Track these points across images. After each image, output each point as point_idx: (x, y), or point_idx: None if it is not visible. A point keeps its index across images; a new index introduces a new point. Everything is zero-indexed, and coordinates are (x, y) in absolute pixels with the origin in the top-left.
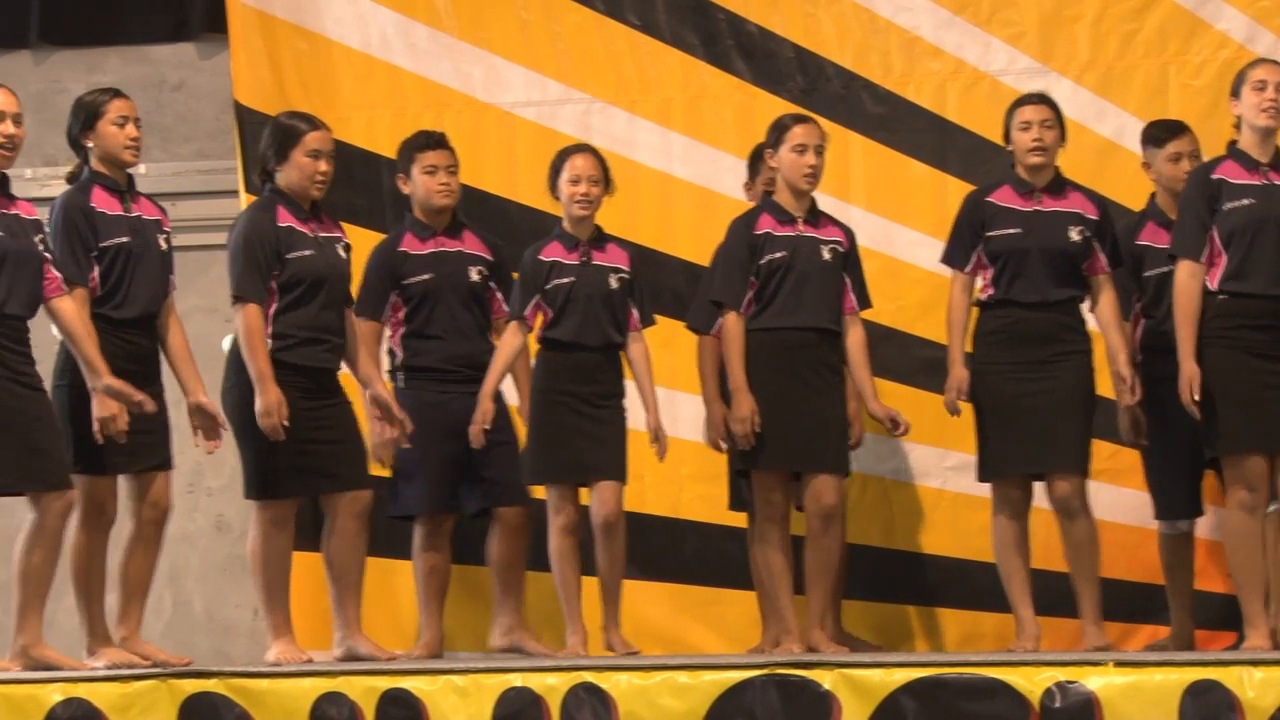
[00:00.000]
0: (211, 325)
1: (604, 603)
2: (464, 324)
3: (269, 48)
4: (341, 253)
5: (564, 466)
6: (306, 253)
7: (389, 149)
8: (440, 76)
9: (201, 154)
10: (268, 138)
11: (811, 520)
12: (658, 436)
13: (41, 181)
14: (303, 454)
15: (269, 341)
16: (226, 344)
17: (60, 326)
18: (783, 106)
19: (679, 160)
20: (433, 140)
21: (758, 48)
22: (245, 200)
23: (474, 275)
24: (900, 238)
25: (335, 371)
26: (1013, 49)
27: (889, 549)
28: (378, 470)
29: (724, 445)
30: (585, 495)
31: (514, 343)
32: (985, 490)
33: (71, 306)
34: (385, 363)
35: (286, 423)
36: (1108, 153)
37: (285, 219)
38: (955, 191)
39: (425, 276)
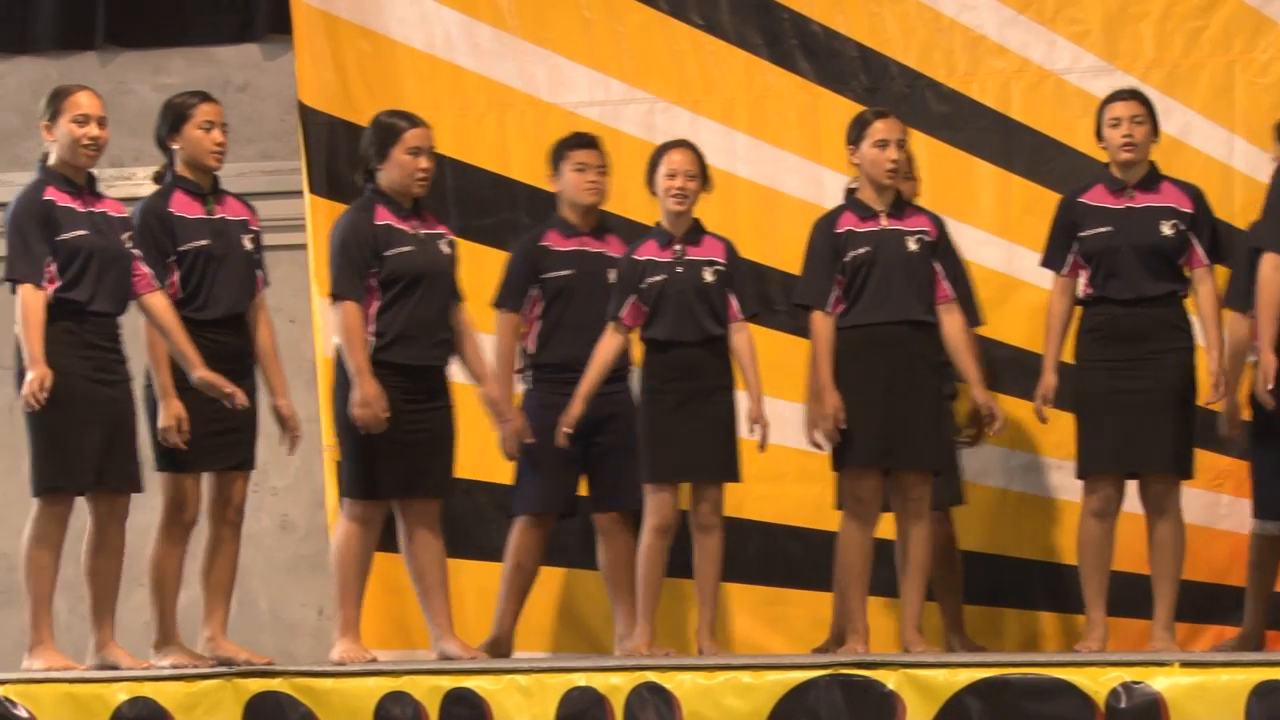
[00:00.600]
0: (280, 325)
1: (700, 605)
2: (596, 325)
3: (333, 48)
4: (445, 249)
5: (666, 466)
6: (405, 249)
7: (453, 149)
8: (504, 76)
9: (266, 155)
10: (368, 136)
11: (902, 519)
12: (756, 423)
13: (108, 182)
14: (398, 456)
15: (371, 339)
16: (333, 344)
17: (153, 321)
18: (846, 106)
19: (742, 160)
20: (584, 140)
21: (822, 47)
22: (309, 201)
23: (611, 278)
24: (964, 237)
25: (440, 369)
26: (1077, 47)
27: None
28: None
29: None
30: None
31: (612, 344)
32: (1050, 491)
33: (163, 301)
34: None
35: (386, 414)
36: (1173, 151)
37: (384, 217)
38: (1019, 190)
39: (565, 272)
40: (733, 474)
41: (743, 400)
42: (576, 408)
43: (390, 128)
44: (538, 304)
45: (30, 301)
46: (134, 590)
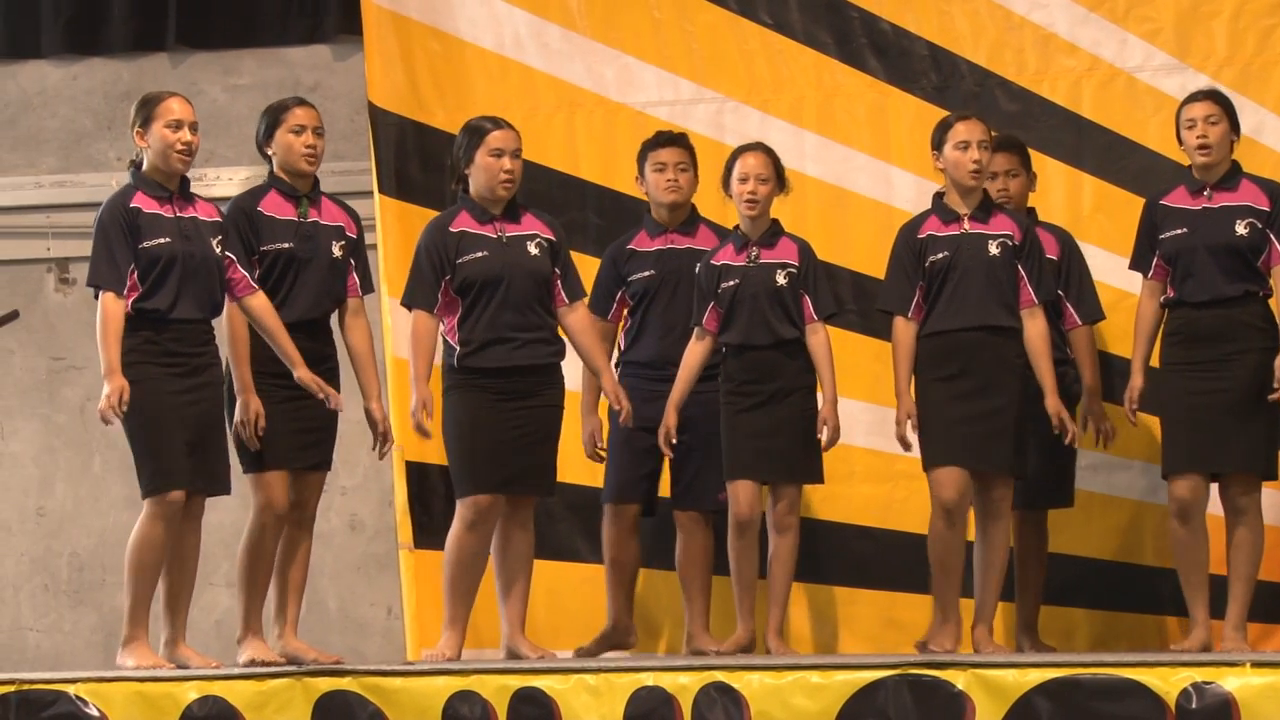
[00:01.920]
0: None
1: (770, 604)
2: (681, 321)
3: (403, 49)
4: (533, 249)
5: (743, 464)
6: (479, 255)
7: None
8: (573, 77)
9: (336, 155)
10: (457, 142)
11: (981, 519)
12: (828, 426)
13: None
14: (495, 454)
15: (455, 347)
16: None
17: (255, 323)
18: (916, 105)
19: (811, 159)
20: (664, 139)
21: (891, 46)
22: (379, 201)
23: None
24: None
25: (542, 368)
26: (1149, 45)
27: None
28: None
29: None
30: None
31: (697, 350)
32: (1121, 490)
33: (262, 302)
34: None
35: (430, 421)
36: (1247, 149)
37: (462, 224)
38: (1090, 189)
39: (647, 273)
40: (812, 475)
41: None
42: (671, 418)
43: (475, 130)
44: (625, 305)
45: (111, 309)
46: (204, 590)
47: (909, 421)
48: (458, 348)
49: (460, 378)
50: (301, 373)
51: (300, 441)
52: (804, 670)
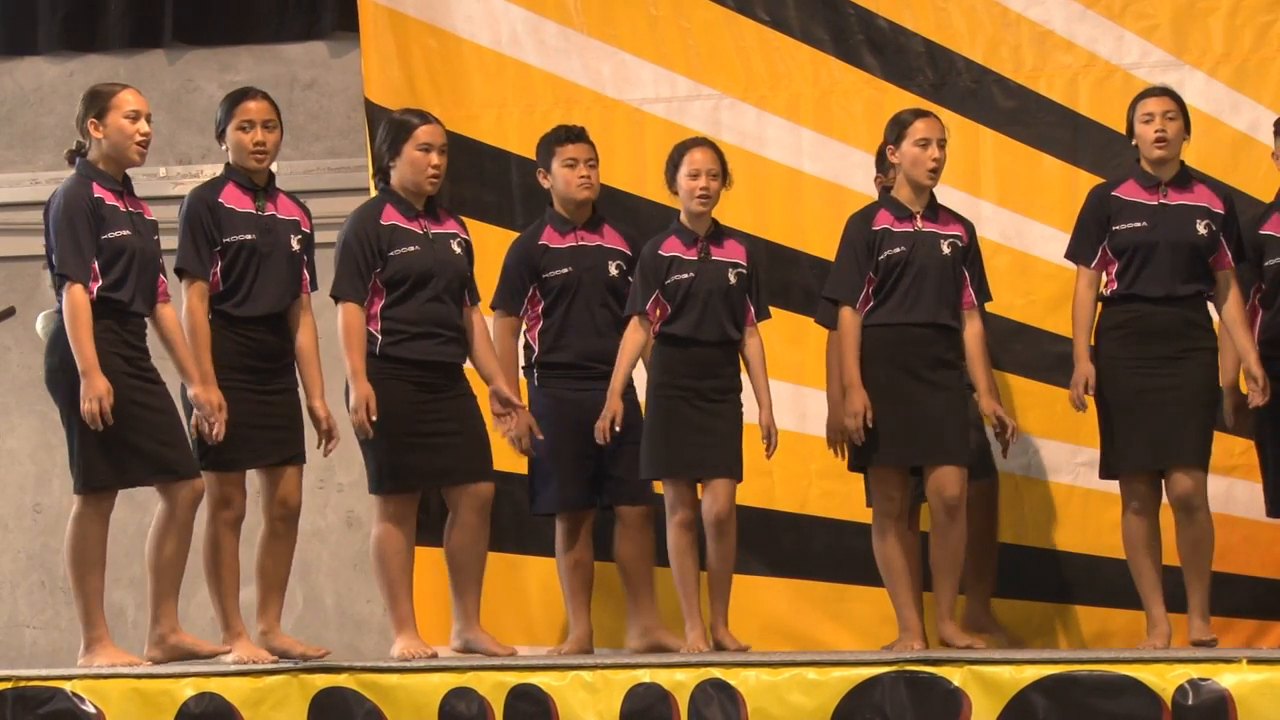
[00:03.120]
0: (338, 321)
1: (712, 600)
2: (600, 320)
3: (400, 46)
4: (456, 248)
5: (681, 462)
6: (410, 249)
7: (519, 146)
8: (570, 73)
9: (332, 152)
10: (380, 133)
11: (935, 514)
12: (768, 434)
13: (175, 180)
14: (420, 448)
15: (377, 336)
16: None
17: (161, 333)
18: (913, 101)
19: (808, 156)
20: (572, 134)
21: (888, 42)
22: None
23: (613, 270)
24: (1031, 232)
25: (454, 365)
26: (1146, 42)
27: (1020, 545)
28: (507, 465)
29: (839, 445)
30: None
31: (637, 338)
32: (1116, 487)
33: (172, 314)
34: (521, 358)
35: (374, 417)
36: (1242, 146)
37: (390, 217)
38: (1086, 186)
39: (563, 270)
40: (739, 472)
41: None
42: (615, 403)
43: (402, 124)
44: (538, 302)
45: (80, 301)
46: (200, 586)
47: (865, 413)
48: (380, 337)
49: (381, 365)
50: (198, 390)
51: (262, 438)
52: (801, 667)
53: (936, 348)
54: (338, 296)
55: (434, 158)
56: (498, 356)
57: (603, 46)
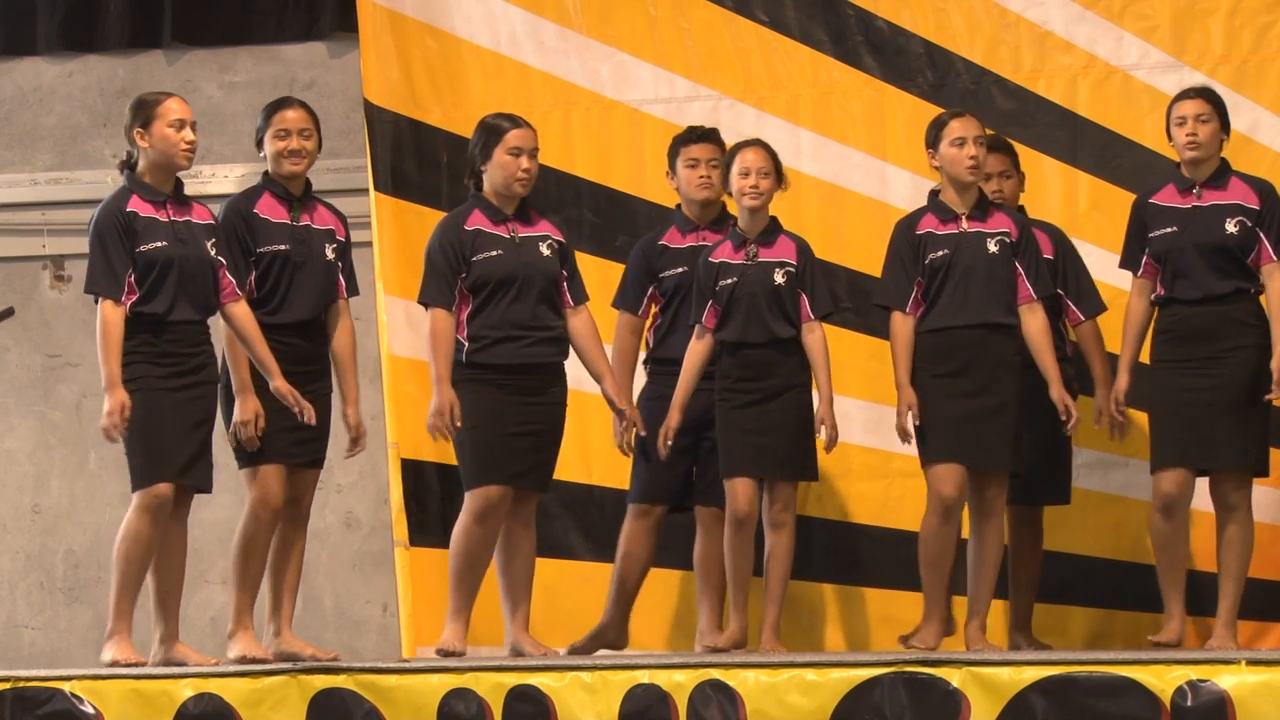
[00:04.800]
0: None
1: (767, 603)
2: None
3: (399, 46)
4: (545, 250)
5: (733, 462)
6: (493, 253)
7: None
8: (569, 74)
9: (332, 152)
10: (474, 138)
11: (975, 515)
12: (822, 425)
13: None
14: (504, 447)
15: (464, 343)
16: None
17: (234, 330)
18: (912, 102)
19: (808, 157)
20: (696, 134)
21: (887, 43)
22: (375, 199)
23: None
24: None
25: (547, 367)
26: (1145, 43)
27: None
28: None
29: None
30: None
31: (698, 349)
32: (1117, 488)
33: (244, 310)
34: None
35: (459, 424)
36: (1241, 148)
37: (476, 222)
38: (1086, 187)
39: (680, 269)
40: (807, 472)
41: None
42: (674, 417)
43: (493, 128)
44: (657, 301)
45: (111, 318)
46: (199, 587)
47: (910, 413)
48: (466, 344)
49: (468, 373)
50: (279, 383)
51: (296, 437)
52: (799, 668)
53: (990, 348)
54: (425, 303)
55: (524, 161)
56: (615, 354)
57: (601, 47)
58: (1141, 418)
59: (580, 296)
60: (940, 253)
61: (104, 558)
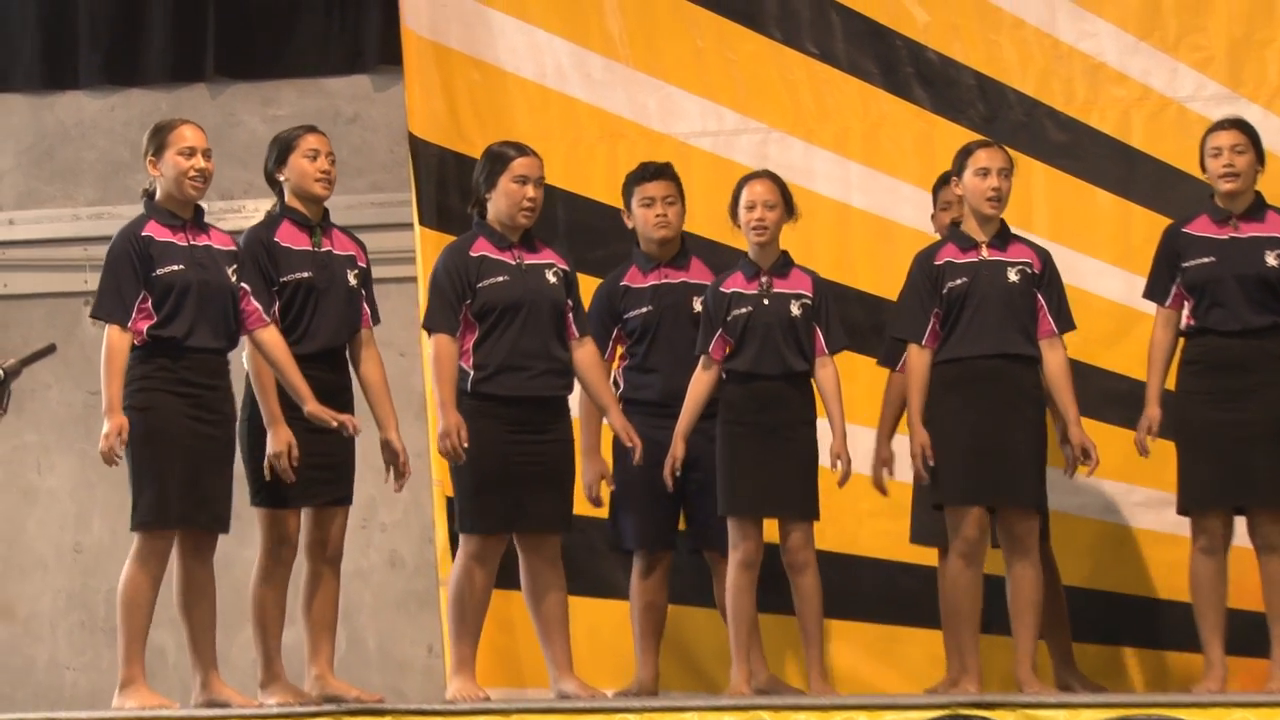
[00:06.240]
0: (390, 358)
1: (805, 646)
2: (685, 357)
3: (443, 79)
4: (551, 278)
5: (743, 499)
6: (499, 279)
7: (564, 180)
8: (615, 107)
9: (376, 187)
10: (478, 166)
11: (1008, 555)
12: (836, 461)
13: (217, 215)
14: (506, 489)
15: (469, 372)
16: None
17: (265, 356)
18: (963, 135)
19: (857, 190)
20: (650, 171)
21: (938, 75)
22: (419, 233)
23: (696, 307)
24: (1084, 267)
25: (554, 400)
26: (1200, 74)
27: (1073, 587)
28: (588, 510)
29: (885, 482)
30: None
31: (703, 379)
32: (1172, 527)
33: (274, 336)
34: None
35: (466, 444)
36: None
37: (481, 249)
38: (1140, 220)
39: (645, 309)
40: (815, 511)
41: (825, 435)
42: (679, 448)
43: (499, 156)
44: (622, 342)
45: (116, 343)
46: (243, 627)
47: (924, 453)
48: (471, 372)
49: (472, 404)
50: (312, 407)
51: (316, 478)
52: (851, 710)
53: (1009, 379)
54: (428, 328)
55: (530, 190)
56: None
57: (648, 79)
58: (1166, 446)
59: (585, 328)
60: (958, 281)
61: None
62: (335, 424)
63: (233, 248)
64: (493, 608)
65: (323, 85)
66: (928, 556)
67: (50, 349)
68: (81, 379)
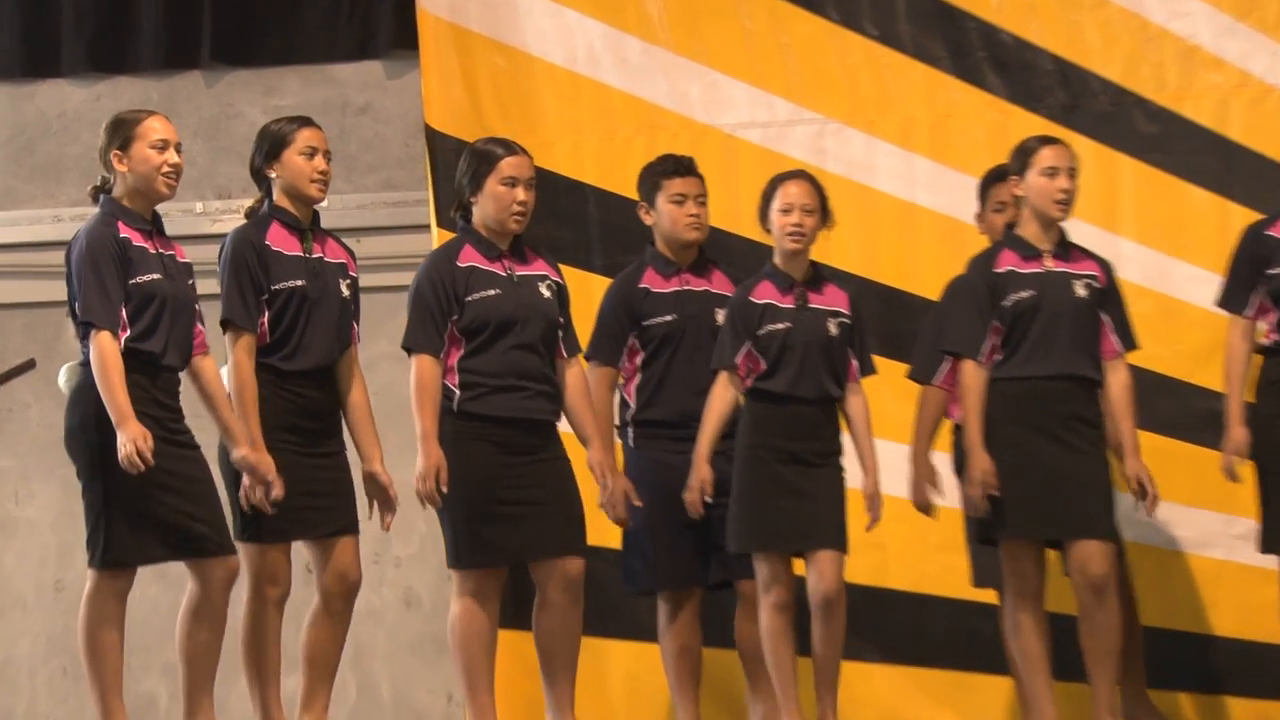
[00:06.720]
0: (399, 374)
1: (819, 689)
2: (704, 374)
3: (464, 65)
4: (545, 291)
5: (776, 534)
6: (490, 293)
7: (597, 177)
8: (654, 95)
9: (389, 184)
10: (461, 166)
11: (1081, 594)
12: (873, 505)
13: (213, 216)
14: (503, 518)
15: (455, 391)
16: None
17: (201, 387)
18: (1041, 125)
19: (924, 187)
20: (681, 166)
21: (1013, 60)
22: (437, 235)
23: (719, 320)
24: (1177, 273)
25: (544, 422)
26: None
27: (1167, 629)
28: (592, 537)
29: (933, 510)
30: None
31: (727, 396)
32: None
33: (213, 366)
34: (616, 415)
35: (445, 489)
36: None
37: (469, 258)
38: (1239, 220)
39: (667, 318)
40: (845, 543)
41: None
42: (703, 470)
43: (484, 155)
44: (637, 354)
45: (109, 349)
46: (241, 673)
47: (985, 481)
48: (458, 391)
49: (459, 425)
50: (245, 452)
51: (309, 507)
52: None
53: (1074, 404)
54: (409, 348)
55: (520, 193)
56: (596, 415)
57: (691, 65)
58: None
59: (574, 347)
60: (1024, 294)
61: (135, 641)
62: (268, 479)
63: (189, 261)
64: (514, 649)
65: (330, 72)
66: (978, 591)
67: (29, 365)
68: (64, 398)
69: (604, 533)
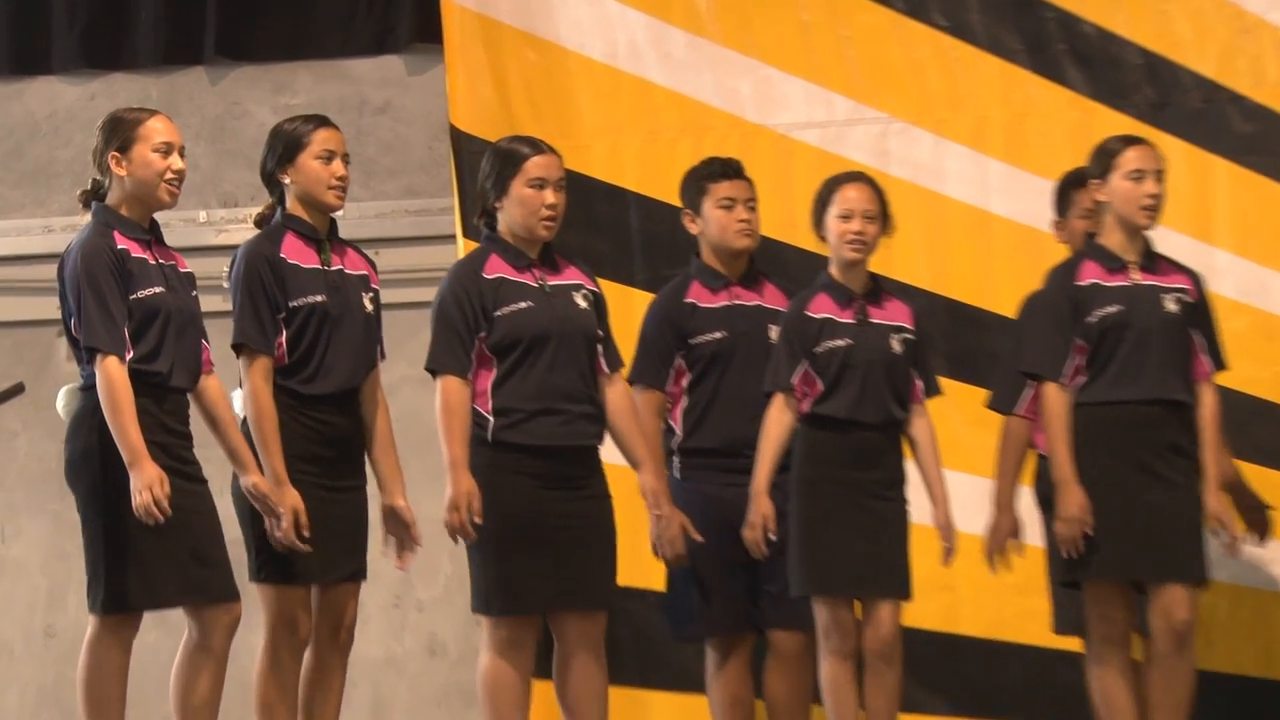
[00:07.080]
0: (423, 399)
1: None
2: (755, 396)
3: (492, 60)
4: (581, 302)
5: (840, 577)
6: (522, 305)
7: (638, 182)
8: (701, 93)
9: (411, 191)
10: (484, 168)
11: (1161, 641)
12: (947, 535)
13: (218, 226)
14: (539, 560)
15: (488, 418)
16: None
17: (204, 408)
18: (1127, 125)
19: (998, 192)
20: (729, 168)
21: (1096, 53)
22: (463, 246)
23: (773, 336)
24: (1277, 287)
25: (587, 450)
26: None
27: (1269, 679)
28: (627, 578)
29: (1002, 560)
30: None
31: (785, 420)
32: None
33: (217, 387)
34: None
35: (479, 519)
36: None
37: (496, 269)
38: None
39: (717, 335)
40: (909, 590)
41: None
42: (764, 505)
43: (509, 155)
44: (683, 375)
45: (117, 376)
46: None
47: (1080, 519)
48: (491, 419)
49: (493, 456)
50: (255, 479)
51: (328, 548)
52: None
53: (1168, 430)
54: (434, 369)
55: (549, 195)
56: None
57: (741, 59)
58: None
59: (615, 362)
60: (1112, 309)
61: (134, 692)
62: (276, 513)
63: (190, 271)
64: (549, 700)
65: (346, 68)
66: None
67: (18, 389)
68: (55, 425)
69: (646, 573)
